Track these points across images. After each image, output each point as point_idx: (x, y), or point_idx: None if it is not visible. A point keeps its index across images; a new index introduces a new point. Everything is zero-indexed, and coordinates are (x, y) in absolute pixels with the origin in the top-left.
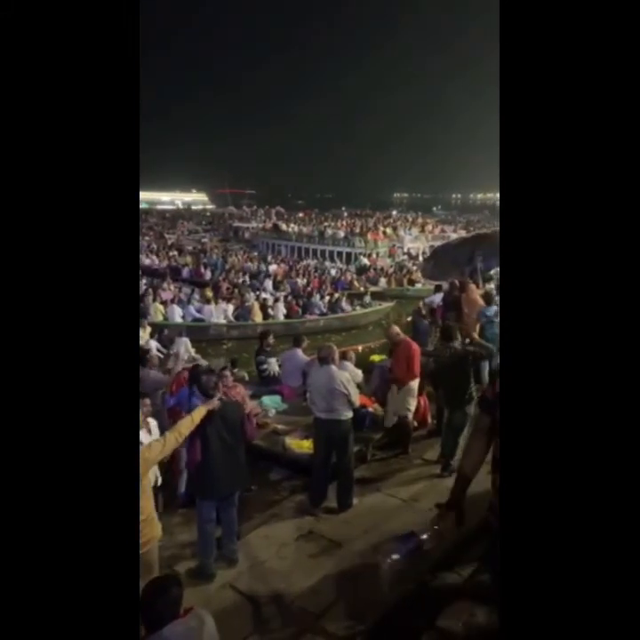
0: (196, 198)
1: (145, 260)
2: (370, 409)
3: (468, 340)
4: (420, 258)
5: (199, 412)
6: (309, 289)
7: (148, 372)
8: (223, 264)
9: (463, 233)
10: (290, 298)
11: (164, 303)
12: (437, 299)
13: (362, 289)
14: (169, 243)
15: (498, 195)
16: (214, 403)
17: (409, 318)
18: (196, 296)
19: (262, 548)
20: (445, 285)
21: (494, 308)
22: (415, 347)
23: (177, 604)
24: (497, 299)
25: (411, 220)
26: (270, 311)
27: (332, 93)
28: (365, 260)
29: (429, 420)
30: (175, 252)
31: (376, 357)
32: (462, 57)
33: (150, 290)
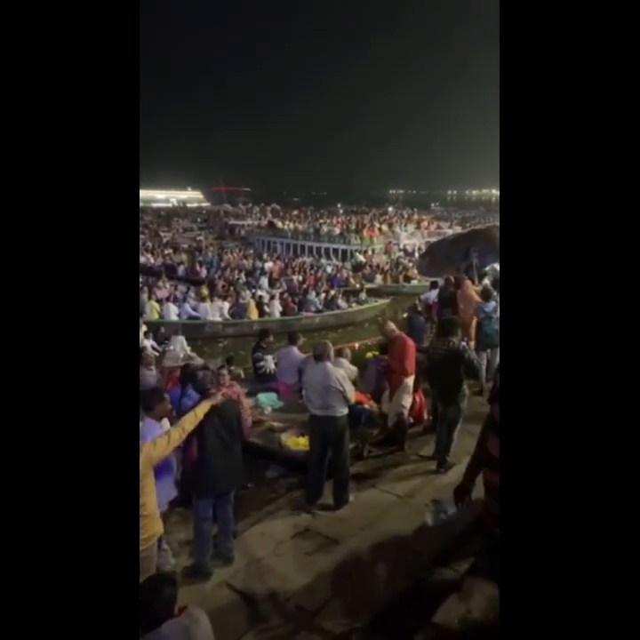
0: (191, 196)
1: (140, 259)
2: (365, 406)
3: (465, 339)
4: (416, 254)
5: (203, 408)
6: (305, 286)
7: (143, 372)
8: (219, 262)
9: (459, 229)
10: (285, 295)
11: (159, 301)
12: (433, 295)
13: (357, 286)
14: (164, 241)
15: (493, 191)
16: (217, 398)
17: (405, 315)
18: (192, 294)
19: (258, 545)
20: (441, 282)
21: (493, 304)
22: (410, 343)
23: (171, 603)
24: (495, 294)
25: (406, 216)
26: (266, 308)
27: (329, 92)
28: (361, 257)
29: (425, 416)
30: (170, 250)
31: (371, 354)
32: (460, 55)
33: (146, 288)
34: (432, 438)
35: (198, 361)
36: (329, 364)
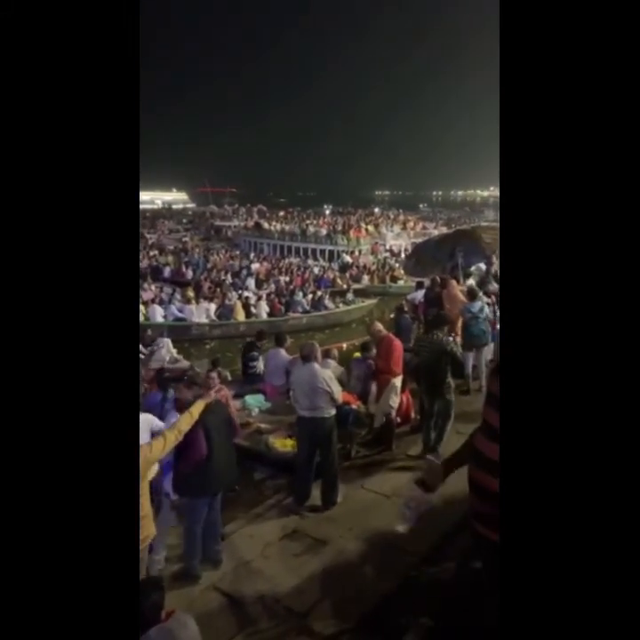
0: (176, 197)
1: None
2: (353, 406)
3: (451, 335)
4: (402, 255)
5: (198, 407)
6: (292, 287)
7: None
8: (205, 263)
9: (444, 230)
10: (272, 296)
11: (145, 303)
12: (419, 295)
13: (345, 286)
14: (149, 242)
15: (478, 191)
16: (211, 395)
17: (392, 315)
18: (178, 296)
19: (247, 548)
20: (427, 282)
21: (479, 304)
22: (397, 343)
23: (159, 607)
24: (480, 294)
25: (393, 217)
26: (253, 310)
27: (315, 93)
28: (348, 258)
29: (413, 416)
30: (156, 252)
31: (359, 354)
32: (445, 56)
33: None
34: (420, 438)
35: (184, 363)
36: (316, 365)
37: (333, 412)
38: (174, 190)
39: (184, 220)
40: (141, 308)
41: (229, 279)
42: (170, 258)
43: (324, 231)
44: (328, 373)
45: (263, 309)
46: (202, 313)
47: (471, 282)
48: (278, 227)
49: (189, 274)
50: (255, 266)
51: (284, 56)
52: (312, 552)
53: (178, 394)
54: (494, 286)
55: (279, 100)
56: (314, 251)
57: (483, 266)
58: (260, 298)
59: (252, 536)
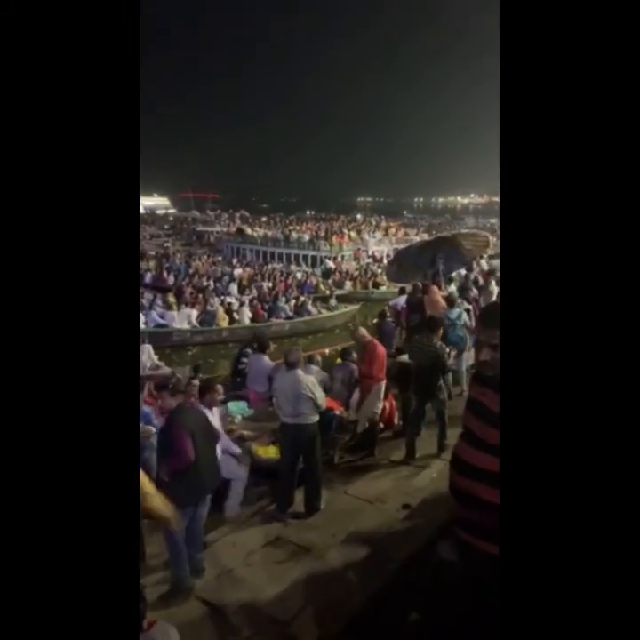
0: (157, 202)
1: None
2: (336, 412)
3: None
4: (385, 261)
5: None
6: (275, 292)
7: None
8: (186, 269)
9: (425, 236)
10: (255, 302)
11: None
12: (401, 301)
13: (327, 292)
14: None
15: (458, 198)
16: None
17: (375, 320)
18: (159, 301)
19: (229, 556)
20: (409, 288)
21: (457, 311)
22: (381, 348)
23: (140, 617)
24: (459, 301)
25: (375, 223)
26: (235, 316)
27: (296, 99)
28: (331, 264)
29: (396, 421)
30: None
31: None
32: (428, 60)
33: None
34: (402, 443)
35: (166, 370)
36: (299, 371)
37: (316, 418)
38: (156, 195)
39: (166, 226)
40: None
41: (211, 285)
42: (151, 263)
43: (307, 237)
44: (311, 379)
45: (246, 315)
46: (183, 319)
47: (453, 288)
48: (261, 232)
49: (171, 279)
50: (238, 271)
51: (270, 60)
52: (295, 559)
53: (161, 402)
54: (474, 292)
55: (261, 106)
56: (297, 256)
57: (463, 272)
58: (242, 303)
59: (234, 544)
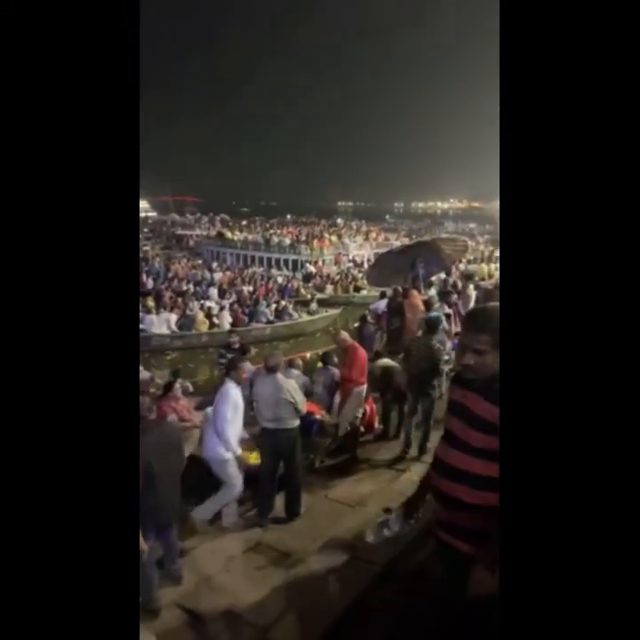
0: None
1: None
2: (317, 416)
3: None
4: (365, 265)
5: None
6: (256, 297)
7: None
8: (166, 272)
9: (406, 241)
10: (236, 306)
11: None
12: (382, 305)
13: (308, 296)
14: None
15: (438, 203)
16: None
17: (356, 324)
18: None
19: (208, 563)
20: (389, 292)
21: (435, 314)
22: (362, 352)
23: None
24: (437, 305)
25: (356, 227)
26: (215, 320)
27: (274, 103)
28: (311, 268)
29: (376, 425)
30: None
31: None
32: (408, 66)
33: None
34: (383, 446)
35: (145, 374)
36: (280, 376)
37: (297, 422)
38: None
39: (145, 229)
40: None
41: (191, 289)
42: None
43: (287, 241)
44: (292, 384)
45: (226, 320)
46: (162, 323)
47: (432, 291)
48: (241, 236)
49: (150, 283)
50: (218, 275)
51: (253, 63)
52: (276, 565)
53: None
54: (454, 297)
55: (241, 109)
56: (277, 260)
57: (443, 276)
58: (222, 308)
59: (213, 551)
